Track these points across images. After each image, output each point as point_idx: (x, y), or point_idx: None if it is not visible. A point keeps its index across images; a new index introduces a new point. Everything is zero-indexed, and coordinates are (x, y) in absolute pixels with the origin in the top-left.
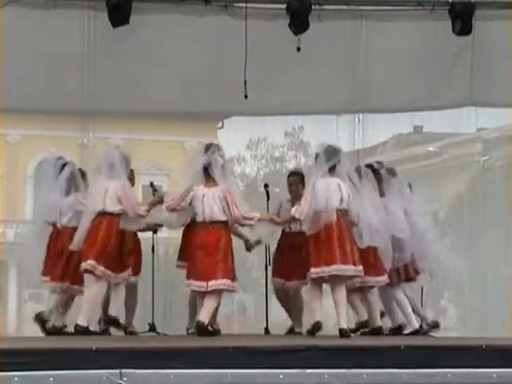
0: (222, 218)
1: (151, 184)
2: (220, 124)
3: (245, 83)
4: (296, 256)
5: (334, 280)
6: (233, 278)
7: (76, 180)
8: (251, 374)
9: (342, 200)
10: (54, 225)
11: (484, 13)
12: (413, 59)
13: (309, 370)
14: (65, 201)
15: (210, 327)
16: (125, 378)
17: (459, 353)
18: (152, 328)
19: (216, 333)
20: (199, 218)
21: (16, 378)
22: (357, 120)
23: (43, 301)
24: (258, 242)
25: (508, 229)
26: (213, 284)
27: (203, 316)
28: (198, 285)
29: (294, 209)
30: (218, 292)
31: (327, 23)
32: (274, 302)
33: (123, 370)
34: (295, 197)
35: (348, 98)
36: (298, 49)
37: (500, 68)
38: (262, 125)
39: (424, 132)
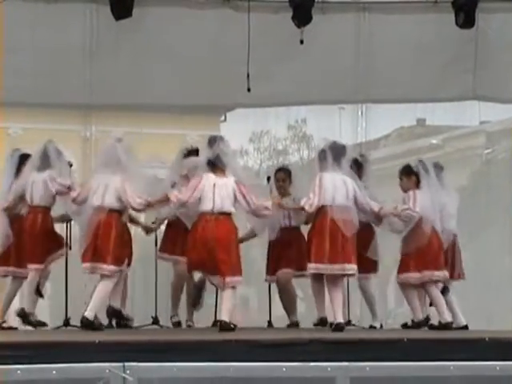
0: (231, 209)
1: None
2: (223, 117)
3: (247, 76)
4: (286, 250)
5: (333, 277)
6: (241, 272)
7: (50, 157)
8: (254, 366)
9: (347, 197)
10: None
11: (487, 5)
12: (416, 52)
13: (312, 363)
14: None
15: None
16: (128, 371)
17: (462, 346)
18: (155, 321)
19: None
20: (207, 207)
21: (19, 371)
22: (360, 113)
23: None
24: (253, 235)
25: (511, 222)
26: (230, 281)
27: (225, 315)
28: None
29: (303, 200)
30: (235, 288)
31: (330, 16)
32: (277, 295)
33: (126, 363)
34: (283, 193)
35: (351, 89)
36: (301, 41)
37: (503, 61)
38: (264, 118)
39: (427, 125)
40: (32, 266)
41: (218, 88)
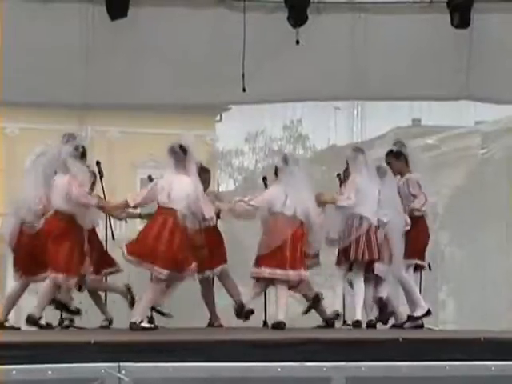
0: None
1: (149, 177)
2: (218, 117)
3: (243, 76)
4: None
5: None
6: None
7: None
8: (250, 367)
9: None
10: None
11: (483, 6)
12: (410, 52)
13: (307, 363)
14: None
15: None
16: (123, 372)
17: (458, 345)
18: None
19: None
20: None
21: (14, 372)
22: (355, 113)
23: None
24: None
25: (507, 222)
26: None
27: (282, 315)
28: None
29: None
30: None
31: (326, 16)
32: (273, 296)
33: (122, 364)
34: None
35: (346, 88)
36: (297, 42)
37: (498, 62)
38: (260, 118)
39: (422, 125)
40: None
41: (214, 88)
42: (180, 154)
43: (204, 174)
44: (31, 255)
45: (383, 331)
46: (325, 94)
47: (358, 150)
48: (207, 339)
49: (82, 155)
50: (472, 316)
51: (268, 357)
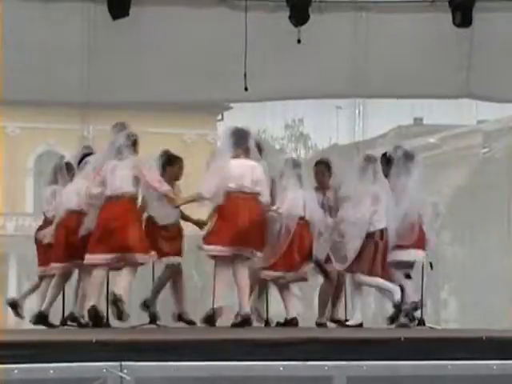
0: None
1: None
2: (220, 116)
3: (245, 76)
4: None
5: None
6: None
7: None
8: (251, 366)
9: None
10: None
11: (484, 4)
12: (412, 50)
13: (309, 362)
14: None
15: None
16: (125, 371)
17: (459, 345)
18: (153, 320)
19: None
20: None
21: (16, 371)
22: (357, 112)
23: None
24: None
25: (508, 221)
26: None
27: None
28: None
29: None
30: None
31: (327, 15)
32: (275, 295)
33: (123, 363)
34: (323, 186)
35: (348, 86)
36: (299, 41)
37: (499, 61)
38: (261, 117)
39: (424, 124)
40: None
41: (215, 87)
42: (243, 137)
43: (177, 163)
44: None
45: (385, 330)
46: (326, 92)
47: (369, 159)
48: (209, 338)
49: (134, 143)
50: (474, 315)
51: (270, 356)
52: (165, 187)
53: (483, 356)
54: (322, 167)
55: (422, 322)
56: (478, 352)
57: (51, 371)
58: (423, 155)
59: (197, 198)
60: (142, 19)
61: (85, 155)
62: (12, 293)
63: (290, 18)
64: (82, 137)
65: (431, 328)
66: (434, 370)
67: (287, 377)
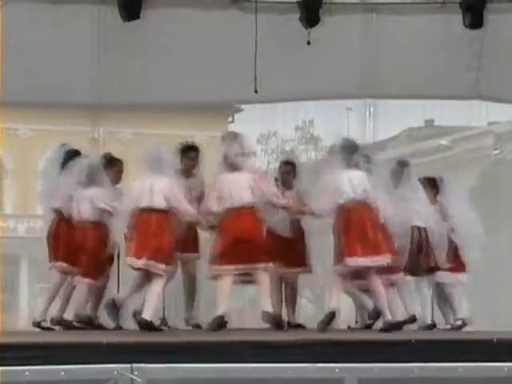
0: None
1: None
2: (231, 118)
3: (255, 78)
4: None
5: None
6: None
7: (97, 174)
8: (262, 368)
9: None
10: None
11: (495, 6)
12: (423, 51)
13: (320, 364)
14: (84, 193)
15: None
16: (136, 373)
17: (470, 347)
18: (163, 322)
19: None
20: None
21: (27, 373)
22: (367, 114)
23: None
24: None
25: None
26: None
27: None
28: None
29: None
30: None
31: (338, 16)
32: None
33: (134, 365)
34: (288, 186)
35: (358, 87)
36: (309, 42)
37: (510, 62)
38: (272, 119)
39: (435, 126)
40: (85, 280)
41: (226, 88)
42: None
43: (116, 165)
44: None
45: (395, 332)
46: (337, 93)
47: (402, 163)
48: (219, 340)
49: (244, 154)
50: (485, 317)
51: (280, 358)
52: (283, 200)
53: (494, 358)
54: (289, 167)
55: (433, 325)
56: (488, 354)
57: (62, 373)
58: (434, 157)
59: (310, 213)
60: (152, 21)
61: (68, 153)
62: (23, 294)
63: (300, 19)
64: (92, 139)
65: (442, 330)
66: (445, 372)
67: (297, 379)
